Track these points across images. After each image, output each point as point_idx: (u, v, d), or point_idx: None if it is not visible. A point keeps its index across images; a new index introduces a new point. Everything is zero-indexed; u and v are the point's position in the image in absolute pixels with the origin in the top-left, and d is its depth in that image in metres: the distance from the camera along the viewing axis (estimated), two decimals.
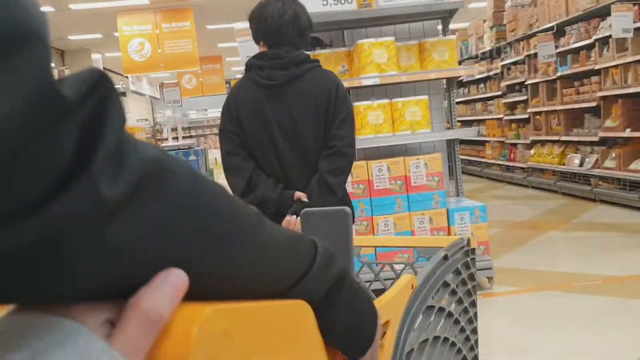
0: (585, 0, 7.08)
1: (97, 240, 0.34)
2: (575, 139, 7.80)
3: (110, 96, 0.35)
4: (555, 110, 8.24)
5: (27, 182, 0.31)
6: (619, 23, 5.82)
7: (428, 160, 4.05)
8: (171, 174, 0.39)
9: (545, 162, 8.42)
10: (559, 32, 7.88)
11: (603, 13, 6.68)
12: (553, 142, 8.43)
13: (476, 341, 1.21)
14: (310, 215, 1.02)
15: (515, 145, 9.69)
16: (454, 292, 1.11)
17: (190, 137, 19.06)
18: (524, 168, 9.15)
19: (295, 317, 0.54)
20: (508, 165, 9.83)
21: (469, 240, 1.18)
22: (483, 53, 10.80)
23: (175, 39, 10.09)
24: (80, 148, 0.33)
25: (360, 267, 1.53)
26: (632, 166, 6.53)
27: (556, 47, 7.81)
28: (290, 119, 2.22)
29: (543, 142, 8.72)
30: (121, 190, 0.34)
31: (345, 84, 3.94)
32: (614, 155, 6.90)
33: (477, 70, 10.63)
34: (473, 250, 1.18)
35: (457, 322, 1.12)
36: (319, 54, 4.02)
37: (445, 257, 1.07)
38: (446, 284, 1.08)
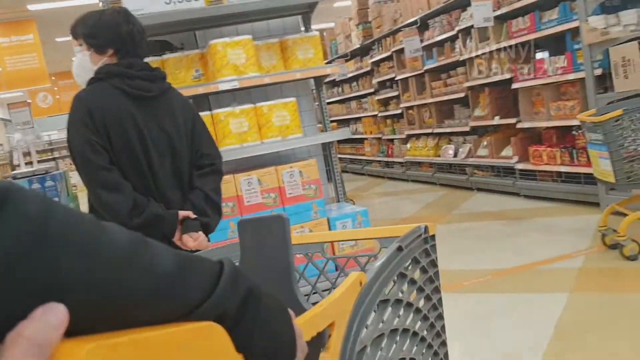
0: None
1: None
2: (448, 130, 7.87)
3: None
4: (426, 104, 8.28)
5: None
6: (479, 13, 5.85)
7: (302, 167, 3.72)
8: (19, 199, 0.37)
9: (422, 155, 8.46)
10: (423, 25, 7.91)
11: (464, 4, 6.74)
12: (427, 135, 8.48)
13: (442, 327, 1.21)
14: (247, 223, 1.03)
15: (392, 140, 9.70)
16: (412, 282, 1.10)
17: (54, 159, 17.63)
18: (402, 162, 9.17)
19: (205, 341, 0.50)
20: (387, 161, 9.83)
21: (426, 227, 1.17)
22: (352, 51, 10.76)
23: (18, 54, 9.06)
24: None
25: (325, 262, 1.51)
26: (504, 153, 6.64)
27: (421, 40, 7.83)
28: (165, 133, 2.09)
29: (418, 136, 8.76)
30: None
31: (201, 90, 3.53)
32: (485, 143, 6.99)
33: (345, 69, 10.56)
34: (432, 236, 1.19)
35: (418, 311, 1.11)
36: (169, 58, 3.54)
37: (400, 249, 1.05)
38: (403, 275, 1.06)
